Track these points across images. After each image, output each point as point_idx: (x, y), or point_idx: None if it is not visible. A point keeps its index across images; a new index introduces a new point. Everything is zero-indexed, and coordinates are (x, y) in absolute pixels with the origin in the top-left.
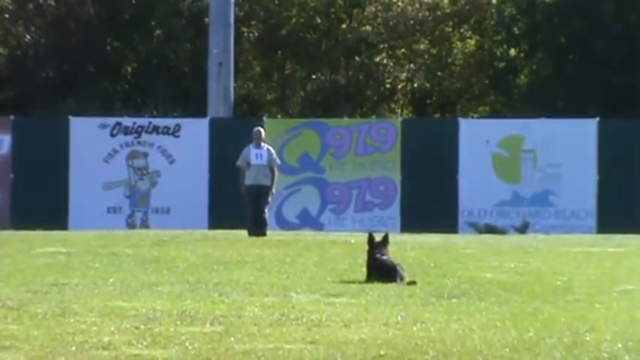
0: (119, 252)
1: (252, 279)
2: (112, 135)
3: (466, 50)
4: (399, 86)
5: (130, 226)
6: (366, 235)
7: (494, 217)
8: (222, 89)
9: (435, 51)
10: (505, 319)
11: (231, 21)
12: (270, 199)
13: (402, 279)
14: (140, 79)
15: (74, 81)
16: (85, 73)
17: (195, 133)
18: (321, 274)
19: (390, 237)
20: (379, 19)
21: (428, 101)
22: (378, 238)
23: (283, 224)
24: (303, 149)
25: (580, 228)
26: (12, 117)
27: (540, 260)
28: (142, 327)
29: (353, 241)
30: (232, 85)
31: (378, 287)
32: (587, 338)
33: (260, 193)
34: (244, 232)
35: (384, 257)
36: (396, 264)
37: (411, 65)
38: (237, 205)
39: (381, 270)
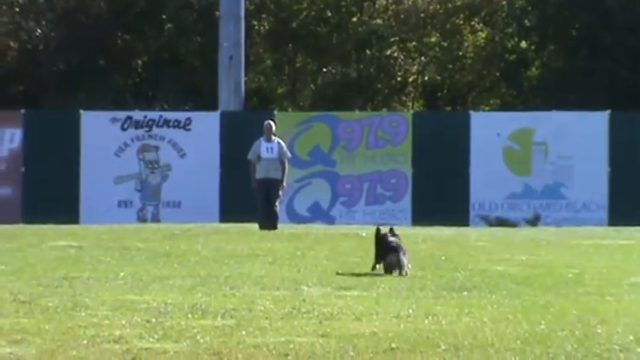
0: (130, 246)
1: (263, 272)
2: (123, 129)
3: (477, 43)
4: (410, 79)
5: (141, 219)
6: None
7: (505, 210)
8: (232, 83)
9: (446, 44)
10: (516, 311)
11: (242, 14)
12: (280, 193)
13: (400, 265)
14: (151, 73)
15: (85, 75)
16: (96, 66)
17: (206, 126)
18: (332, 268)
19: (400, 230)
20: (390, 12)
21: (439, 94)
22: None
23: (294, 217)
24: (314, 142)
25: (591, 220)
26: (23, 111)
27: (551, 253)
28: (153, 320)
29: (364, 234)
30: (243, 78)
31: (389, 280)
32: (599, 331)
33: (271, 187)
34: (255, 226)
35: (392, 239)
36: (402, 247)
37: (422, 58)
38: (248, 198)
39: (388, 248)
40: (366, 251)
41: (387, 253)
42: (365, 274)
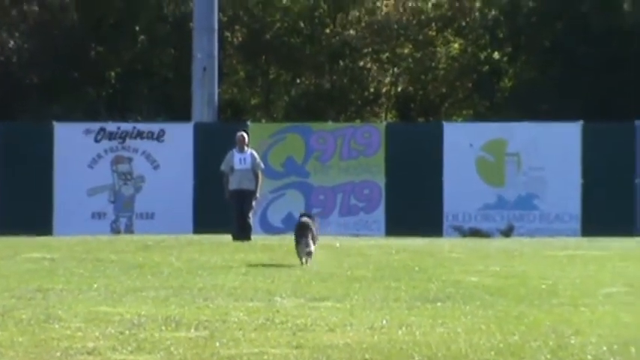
0: (103, 257)
1: (236, 284)
2: (96, 140)
3: (450, 54)
4: (383, 90)
5: (115, 231)
6: (352, 239)
7: (478, 221)
8: (206, 94)
9: (418, 55)
10: (490, 322)
11: (215, 26)
12: (254, 204)
13: (307, 245)
14: (124, 85)
15: (58, 86)
16: (69, 78)
17: (180, 137)
18: (306, 279)
19: (374, 241)
20: (363, 24)
21: (412, 105)
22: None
23: (268, 229)
24: (287, 153)
25: (564, 231)
26: None
27: (525, 263)
28: (127, 332)
29: (338, 245)
30: (217, 89)
31: (363, 291)
32: (572, 341)
33: (244, 198)
34: (229, 237)
35: (305, 219)
36: (312, 228)
37: (395, 69)
38: (221, 209)
39: (298, 226)
40: (339, 262)
41: (298, 237)
42: (339, 285)
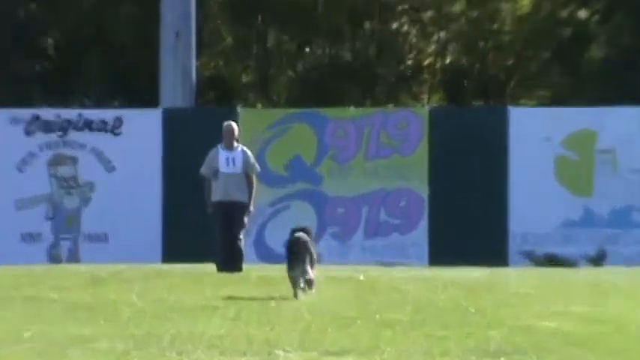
0: (39, 295)
1: (222, 331)
2: (28, 133)
3: (518, 12)
4: (426, 63)
5: (54, 258)
6: (381, 269)
7: (557, 244)
8: (180, 69)
9: (474, 14)
10: None
11: None
12: (246, 220)
13: (304, 272)
14: (66, 57)
15: None
16: None
17: (143, 129)
18: (319, 324)
19: (414, 272)
20: None
21: (465, 83)
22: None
23: (266, 255)
24: (292, 151)
25: None
26: None
27: (621, 303)
28: None
29: (362, 277)
30: (194, 62)
31: (397, 341)
32: None
33: (233, 213)
34: (212, 267)
35: (301, 235)
36: (309, 247)
37: (442, 34)
38: (201, 229)
39: (290, 245)
40: (365, 301)
41: (292, 263)
42: (364, 333)
